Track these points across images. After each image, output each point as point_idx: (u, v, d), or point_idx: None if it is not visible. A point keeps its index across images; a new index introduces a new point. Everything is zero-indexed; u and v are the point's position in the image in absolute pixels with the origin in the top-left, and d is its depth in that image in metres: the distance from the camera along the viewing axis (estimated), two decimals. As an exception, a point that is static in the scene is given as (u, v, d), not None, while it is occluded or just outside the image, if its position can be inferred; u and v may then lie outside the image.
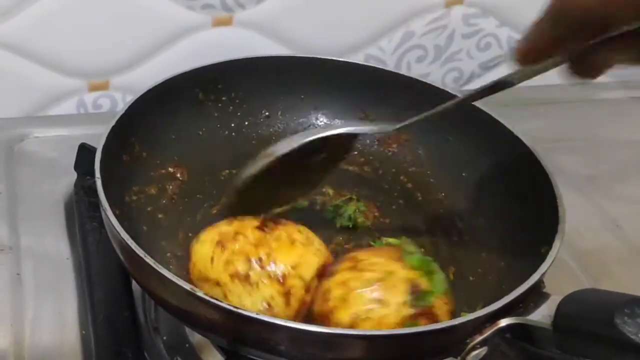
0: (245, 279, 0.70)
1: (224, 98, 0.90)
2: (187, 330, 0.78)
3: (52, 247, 0.88)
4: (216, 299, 0.62)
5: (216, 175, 0.87)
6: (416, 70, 1.17)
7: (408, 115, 0.91)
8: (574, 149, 1.09)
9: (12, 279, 0.84)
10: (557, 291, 0.66)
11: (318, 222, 0.83)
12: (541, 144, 0.82)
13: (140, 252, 0.66)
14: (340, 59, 0.94)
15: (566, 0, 0.52)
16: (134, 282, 0.80)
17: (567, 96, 1.17)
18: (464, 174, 0.87)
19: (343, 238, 0.81)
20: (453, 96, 0.88)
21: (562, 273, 0.86)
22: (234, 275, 0.70)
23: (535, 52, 0.57)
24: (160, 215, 0.82)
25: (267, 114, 0.93)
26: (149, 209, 0.81)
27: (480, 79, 1.20)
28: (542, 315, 0.65)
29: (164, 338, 0.79)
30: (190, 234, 0.79)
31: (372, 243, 0.81)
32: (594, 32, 0.53)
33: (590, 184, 1.04)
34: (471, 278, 0.78)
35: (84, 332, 0.79)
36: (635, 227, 0.98)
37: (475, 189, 0.85)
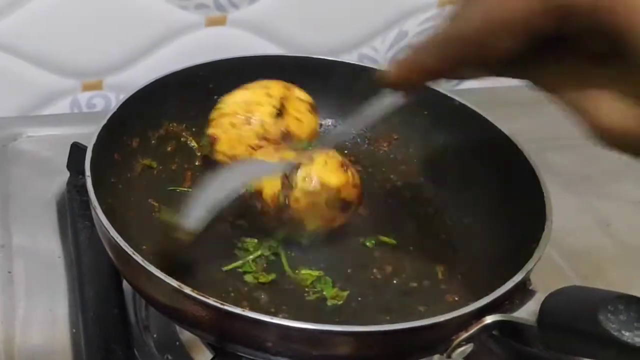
0: None
1: (215, 97, 0.90)
2: (177, 328, 0.79)
3: (43, 246, 0.88)
4: (203, 296, 0.62)
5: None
6: (409, 70, 1.17)
7: (399, 115, 0.92)
8: (566, 148, 1.09)
9: (4, 277, 0.84)
10: (547, 290, 0.66)
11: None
12: (533, 143, 0.82)
13: (128, 249, 0.66)
14: (333, 58, 0.94)
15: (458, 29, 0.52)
16: (124, 280, 0.80)
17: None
18: (454, 173, 0.87)
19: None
20: (442, 95, 0.88)
21: (552, 272, 0.87)
22: None
23: (415, 75, 0.56)
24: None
25: (259, 112, 0.93)
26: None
27: (472, 78, 1.20)
28: (527, 312, 0.66)
29: (154, 336, 0.79)
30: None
31: (361, 240, 0.81)
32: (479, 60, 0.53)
33: (582, 183, 1.04)
34: (459, 276, 0.78)
35: (74, 330, 0.79)
36: (625, 226, 0.99)
37: (464, 188, 0.85)
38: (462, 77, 0.58)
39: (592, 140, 0.50)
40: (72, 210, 0.89)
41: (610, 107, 0.49)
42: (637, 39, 0.45)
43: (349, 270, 0.79)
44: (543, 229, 0.72)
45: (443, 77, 0.56)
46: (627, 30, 0.45)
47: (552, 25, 0.48)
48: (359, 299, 0.76)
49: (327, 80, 0.93)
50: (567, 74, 0.51)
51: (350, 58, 1.14)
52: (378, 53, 1.16)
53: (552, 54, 0.51)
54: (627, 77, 0.48)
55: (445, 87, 1.17)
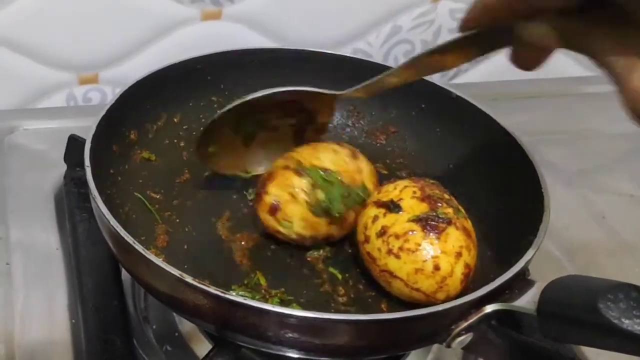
0: None
1: (212, 89, 0.90)
2: (177, 319, 0.79)
3: (41, 238, 0.88)
4: (204, 284, 0.63)
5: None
6: (404, 65, 1.18)
7: (396, 108, 0.93)
8: (561, 142, 1.10)
9: (2, 269, 0.84)
10: (545, 282, 0.66)
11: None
12: (528, 137, 0.83)
13: (129, 238, 0.66)
14: (328, 51, 0.95)
15: None
16: (123, 271, 0.80)
17: (554, 90, 1.18)
18: (451, 166, 0.88)
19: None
20: (439, 88, 0.89)
21: (549, 264, 0.88)
22: None
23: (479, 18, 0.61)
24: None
25: (255, 105, 0.93)
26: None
27: (465, 73, 1.21)
28: (526, 301, 0.66)
29: (154, 327, 0.79)
30: (178, 221, 0.81)
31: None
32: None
33: (577, 176, 1.05)
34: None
35: (73, 321, 0.79)
36: (620, 218, 0.99)
37: (462, 180, 0.85)
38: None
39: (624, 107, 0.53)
40: (69, 203, 0.89)
41: None
42: None
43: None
44: (541, 220, 0.72)
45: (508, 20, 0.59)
46: None
47: None
48: (360, 287, 0.76)
49: (322, 73, 0.94)
50: (612, 39, 0.54)
51: (345, 52, 1.13)
52: (372, 48, 1.16)
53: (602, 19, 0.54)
54: None
55: (442, 80, 1.18)
